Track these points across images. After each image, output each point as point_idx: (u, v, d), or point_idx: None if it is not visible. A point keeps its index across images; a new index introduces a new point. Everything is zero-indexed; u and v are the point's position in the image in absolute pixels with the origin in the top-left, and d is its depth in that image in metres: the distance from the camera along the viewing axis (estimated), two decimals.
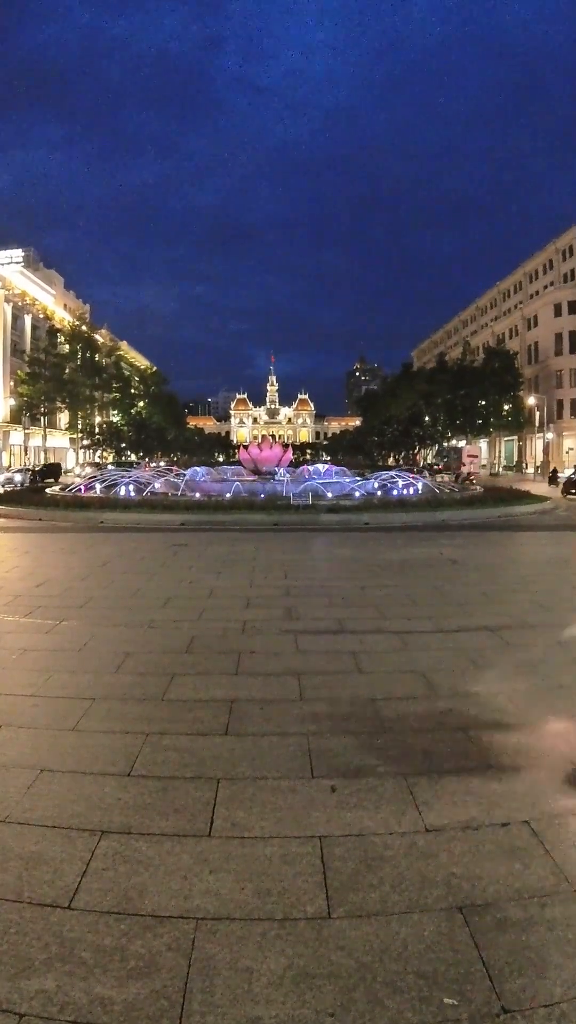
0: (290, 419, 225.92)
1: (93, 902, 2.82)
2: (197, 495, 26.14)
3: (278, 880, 2.97)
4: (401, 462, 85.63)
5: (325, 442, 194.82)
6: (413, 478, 31.86)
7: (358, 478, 32.98)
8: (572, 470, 46.49)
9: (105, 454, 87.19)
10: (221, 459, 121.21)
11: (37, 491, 30.34)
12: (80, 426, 79.82)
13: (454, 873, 2.98)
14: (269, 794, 3.69)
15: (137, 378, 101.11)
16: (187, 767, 4.00)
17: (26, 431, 70.84)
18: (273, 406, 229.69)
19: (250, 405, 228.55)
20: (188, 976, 2.43)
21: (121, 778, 3.87)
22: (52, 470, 53.41)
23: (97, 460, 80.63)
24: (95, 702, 5.02)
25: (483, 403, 76.96)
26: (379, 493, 27.60)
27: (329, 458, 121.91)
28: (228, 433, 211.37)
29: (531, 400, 74.68)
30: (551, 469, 55.49)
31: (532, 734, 4.50)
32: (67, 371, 71.49)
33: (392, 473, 34.64)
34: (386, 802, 3.60)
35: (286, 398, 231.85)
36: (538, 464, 65.58)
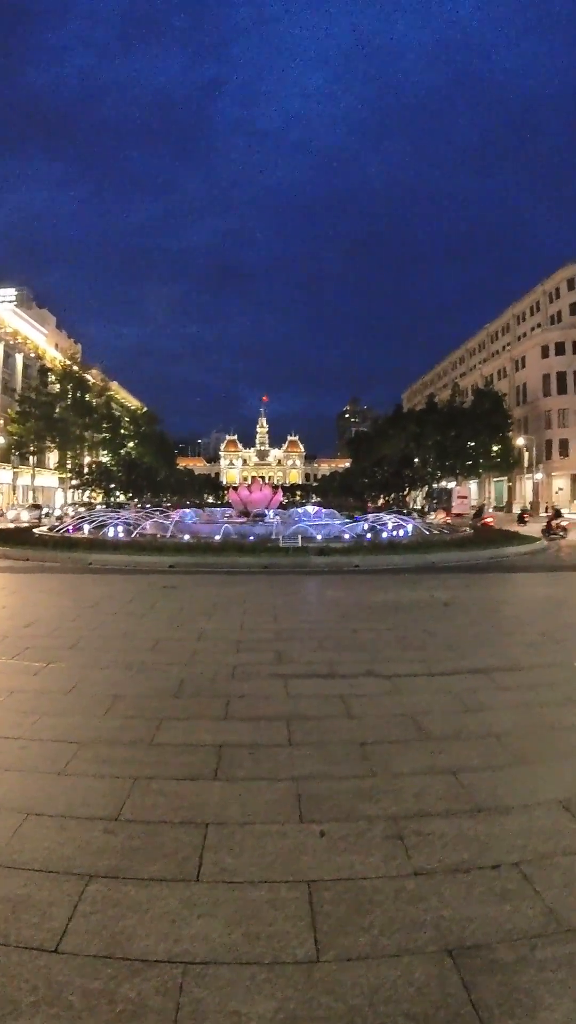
0: (280, 460, 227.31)
1: (81, 946, 2.81)
2: (186, 537, 26.14)
3: (266, 924, 2.96)
4: (392, 504, 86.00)
5: (315, 483, 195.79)
6: (403, 519, 32.05)
7: (348, 520, 33.13)
8: (547, 512, 46.67)
9: (94, 494, 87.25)
10: (211, 500, 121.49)
11: (24, 531, 30.23)
12: (69, 465, 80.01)
13: (443, 916, 2.99)
14: (258, 839, 3.68)
15: (127, 418, 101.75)
16: (175, 811, 4.00)
17: (15, 470, 70.96)
18: (263, 447, 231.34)
19: (240, 447, 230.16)
20: (176, 1020, 2.42)
21: (109, 822, 3.85)
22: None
23: (87, 500, 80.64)
24: (83, 745, 5.00)
25: (472, 444, 77.81)
26: (369, 535, 27.70)
27: (319, 499, 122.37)
28: (218, 474, 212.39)
29: (520, 441, 75.64)
30: (520, 509, 55.90)
31: (522, 776, 4.52)
32: (57, 410, 71.94)
33: (382, 515, 34.88)
34: (375, 846, 3.60)
35: (276, 439, 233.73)
36: (526, 506, 65.99)
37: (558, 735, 5.26)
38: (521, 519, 46.51)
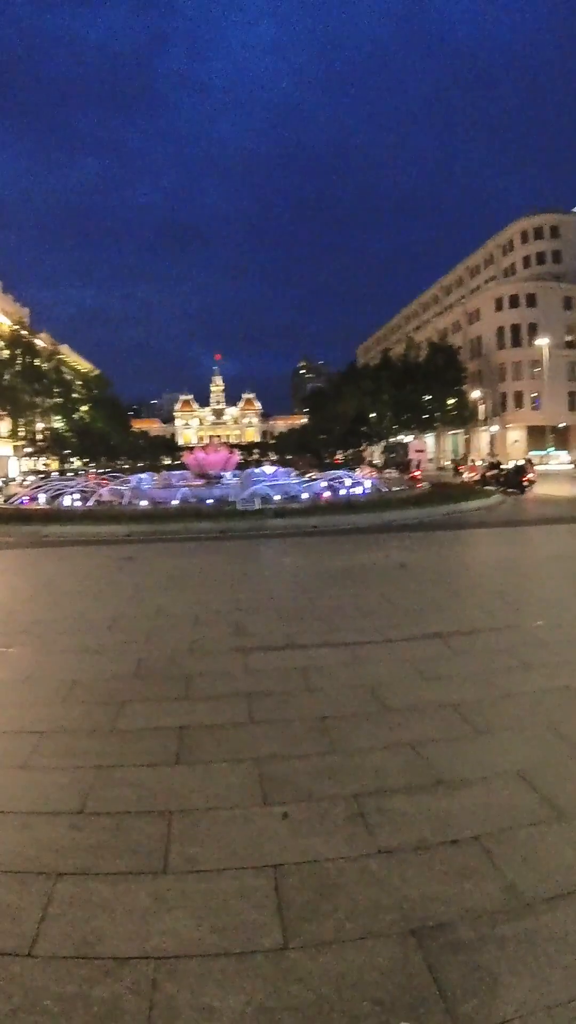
0: (236, 419, 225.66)
1: (53, 948, 2.81)
2: (143, 503, 25.90)
3: (234, 915, 3.00)
4: (349, 460, 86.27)
5: (272, 441, 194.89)
6: (361, 477, 32.22)
7: (304, 479, 33.15)
8: (482, 462, 47.24)
9: (49, 461, 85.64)
10: (167, 462, 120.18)
11: None
12: (22, 433, 78.20)
13: (406, 896, 3.06)
14: (222, 825, 3.72)
15: (79, 382, 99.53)
16: (139, 801, 4.00)
17: None
18: (219, 407, 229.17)
19: (195, 406, 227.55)
20: (150, 1018, 2.45)
21: (74, 816, 3.85)
22: None
23: (40, 468, 79.11)
24: (44, 736, 4.96)
25: (428, 398, 78.24)
26: (327, 494, 27.79)
27: (277, 458, 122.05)
28: (174, 435, 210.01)
29: (476, 394, 76.27)
30: (453, 461, 56.38)
31: (480, 747, 4.63)
32: (6, 377, 69.97)
33: (340, 473, 34.98)
34: (338, 826, 3.66)
35: (232, 398, 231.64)
36: (483, 457, 66.92)
37: (514, 702, 5.39)
38: (456, 472, 47.26)
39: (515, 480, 33.97)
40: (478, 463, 47.88)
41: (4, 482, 51.52)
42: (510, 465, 38.78)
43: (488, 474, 37.39)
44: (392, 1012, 2.43)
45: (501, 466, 39.40)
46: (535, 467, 38.09)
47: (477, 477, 38.86)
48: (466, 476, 42.19)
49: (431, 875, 3.21)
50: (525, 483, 33.34)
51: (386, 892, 3.10)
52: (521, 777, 4.12)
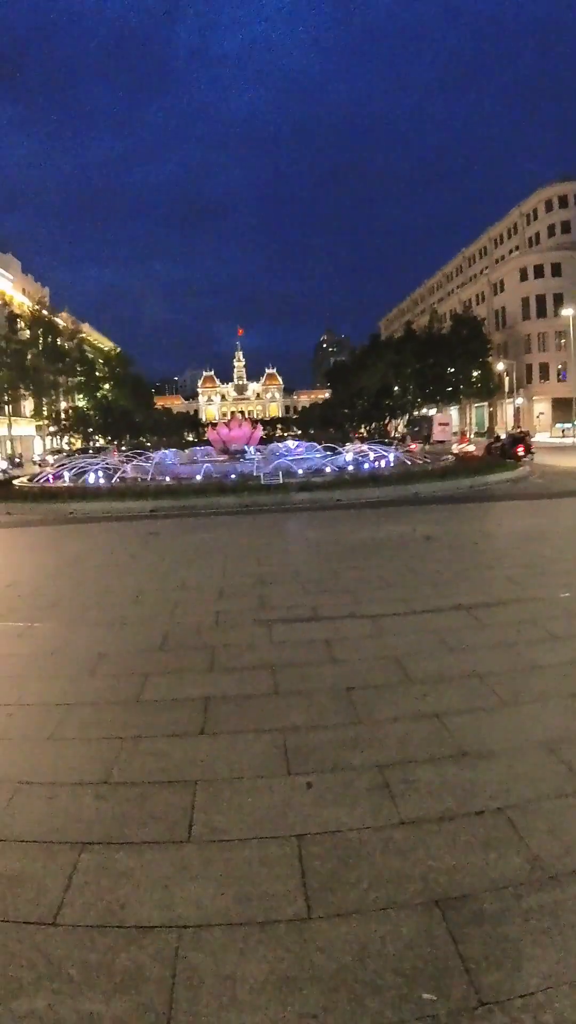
0: (259, 394, 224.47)
1: (78, 917, 2.84)
2: (167, 479, 25.98)
3: (258, 884, 3.01)
4: (374, 434, 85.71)
5: (295, 416, 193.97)
6: (384, 450, 32.00)
7: (329, 453, 33.00)
8: (496, 438, 46.91)
9: (73, 440, 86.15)
10: (191, 438, 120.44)
11: (2, 483, 29.92)
12: (45, 412, 78.64)
13: (431, 867, 3.04)
14: (246, 795, 3.72)
15: (101, 360, 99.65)
16: (164, 771, 4.02)
17: None
18: (241, 382, 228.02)
19: (217, 382, 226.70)
20: (173, 987, 2.46)
21: (99, 786, 3.87)
22: None
23: (63, 447, 79.54)
24: (70, 708, 5.01)
25: (452, 370, 77.19)
26: (351, 468, 27.66)
27: (300, 432, 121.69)
28: (197, 412, 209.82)
29: (500, 366, 75.11)
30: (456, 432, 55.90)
31: (505, 718, 4.58)
32: (29, 357, 70.21)
33: (363, 446, 34.76)
34: (362, 796, 3.65)
35: (254, 373, 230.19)
36: (509, 430, 66.05)
37: (540, 674, 5.33)
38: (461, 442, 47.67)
39: (510, 451, 34.04)
40: (469, 435, 48.54)
41: (18, 461, 51.96)
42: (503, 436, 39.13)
43: (492, 445, 37.55)
44: (415, 983, 2.42)
45: (500, 437, 39.71)
46: (532, 439, 38.39)
47: (471, 449, 39.24)
48: (456, 448, 42.67)
49: (455, 846, 3.18)
50: (522, 453, 33.31)
51: (410, 862, 3.08)
52: (548, 749, 4.06)
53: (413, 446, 45.17)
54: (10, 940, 2.71)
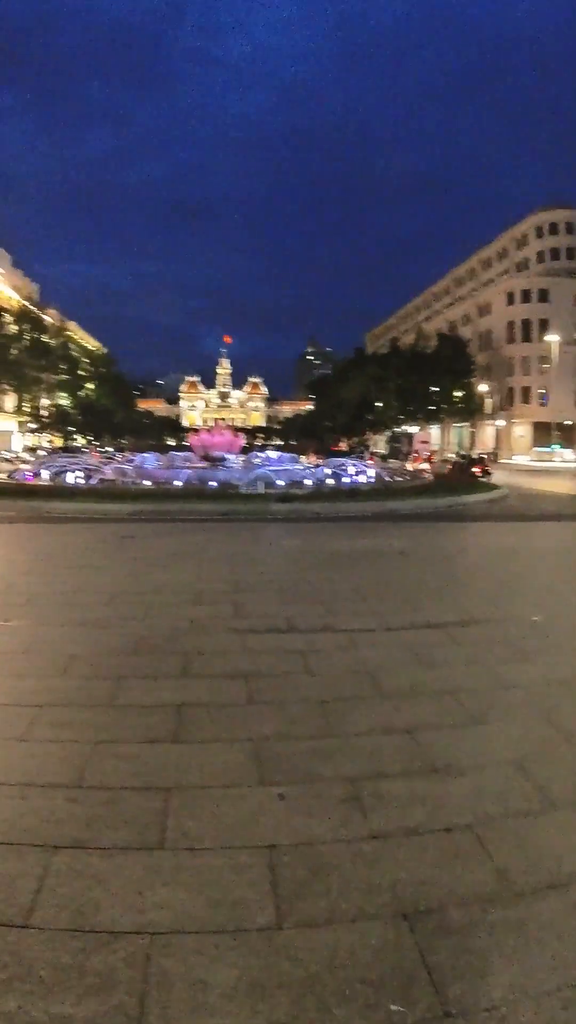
0: (242, 402, 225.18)
1: (49, 919, 2.83)
2: (146, 483, 25.90)
3: (229, 891, 3.03)
4: (355, 448, 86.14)
5: (277, 426, 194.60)
6: (365, 465, 32.23)
7: (310, 466, 33.13)
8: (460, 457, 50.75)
9: (53, 437, 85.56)
10: (171, 443, 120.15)
11: None
12: (27, 409, 78.07)
13: (399, 879, 3.09)
14: (218, 803, 3.74)
15: (86, 359, 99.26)
16: (137, 776, 4.03)
17: None
18: (225, 389, 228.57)
19: (201, 388, 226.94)
20: (144, 991, 2.47)
21: (72, 789, 3.87)
22: None
23: (43, 445, 78.96)
24: (42, 709, 4.98)
25: (435, 389, 77.93)
26: (331, 481, 27.79)
27: (281, 443, 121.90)
28: (178, 416, 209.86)
29: (483, 387, 75.99)
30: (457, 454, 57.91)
31: (476, 735, 4.65)
32: (14, 352, 69.72)
33: (343, 460, 35.00)
34: (333, 808, 3.69)
35: (238, 381, 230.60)
36: (468, 452, 66.65)
37: (512, 693, 5.41)
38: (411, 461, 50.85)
39: (467, 471, 37.17)
40: (423, 454, 51.81)
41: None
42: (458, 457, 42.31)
43: (455, 465, 41.45)
44: (382, 992, 2.46)
45: (464, 457, 43.35)
46: (492, 462, 44.02)
47: (426, 468, 41.66)
48: (410, 466, 45.06)
49: (424, 860, 3.23)
50: (479, 473, 36.20)
51: (379, 874, 3.12)
52: (516, 766, 4.14)
53: (371, 460, 47.15)
54: None
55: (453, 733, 4.66)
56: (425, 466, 45.40)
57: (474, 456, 44.46)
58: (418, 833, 3.45)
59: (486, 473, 36.62)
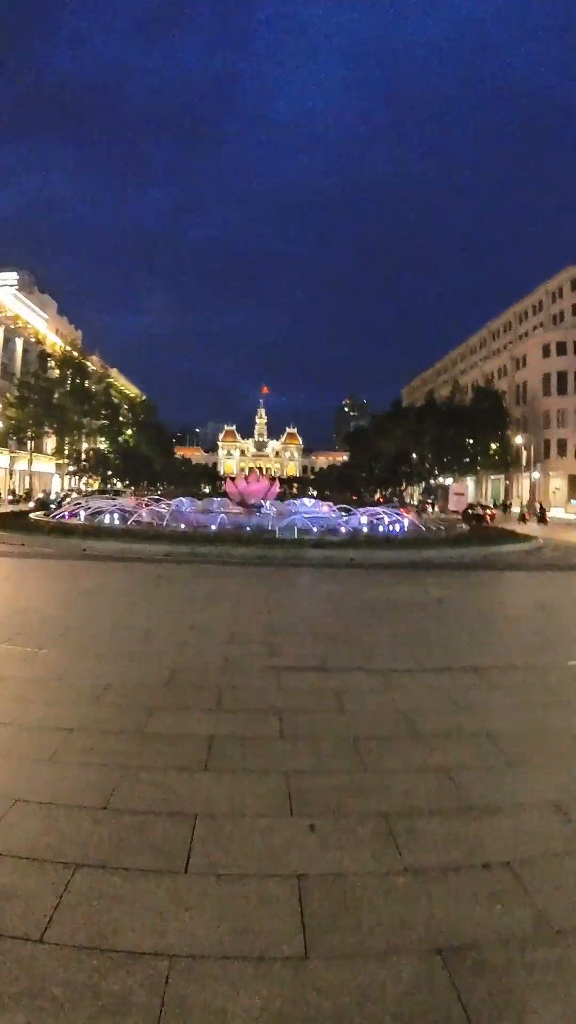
0: (278, 452, 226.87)
1: (65, 936, 2.77)
2: (182, 526, 26.06)
3: (254, 919, 2.93)
4: (390, 499, 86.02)
5: (312, 476, 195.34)
6: (400, 515, 32.06)
7: (344, 514, 33.07)
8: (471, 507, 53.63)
9: (91, 481, 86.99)
10: (207, 490, 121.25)
11: (20, 515, 30.17)
12: (67, 452, 79.69)
13: (433, 915, 2.96)
14: (247, 832, 3.65)
15: (126, 406, 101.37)
16: (165, 802, 3.95)
17: (12, 454, 70.69)
18: (261, 439, 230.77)
19: (238, 437, 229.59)
20: (161, 1015, 2.39)
21: (97, 811, 3.81)
22: None
23: (81, 487, 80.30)
24: (72, 733, 4.95)
25: (471, 442, 77.76)
26: (365, 529, 27.66)
27: (316, 493, 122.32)
28: (215, 464, 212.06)
29: (519, 439, 75.65)
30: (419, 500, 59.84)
31: (515, 776, 4.49)
32: (56, 396, 71.55)
33: (379, 509, 34.88)
34: (366, 842, 3.57)
35: (275, 431, 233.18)
36: (524, 504, 66.05)
37: (551, 736, 5.23)
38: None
39: (474, 518, 42.41)
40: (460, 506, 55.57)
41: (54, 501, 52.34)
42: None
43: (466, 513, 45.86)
44: None
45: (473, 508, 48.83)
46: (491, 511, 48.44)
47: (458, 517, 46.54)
48: (442, 513, 51.87)
49: (460, 897, 3.09)
50: (489, 521, 41.85)
51: (412, 910, 3.00)
52: (555, 807, 3.97)
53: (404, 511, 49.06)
54: None
55: (490, 773, 4.50)
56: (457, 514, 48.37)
57: (482, 505, 50.68)
58: (454, 870, 3.31)
59: (491, 519, 42.53)
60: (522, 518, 48.14)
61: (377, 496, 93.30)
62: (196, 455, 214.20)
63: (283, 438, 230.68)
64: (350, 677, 6.82)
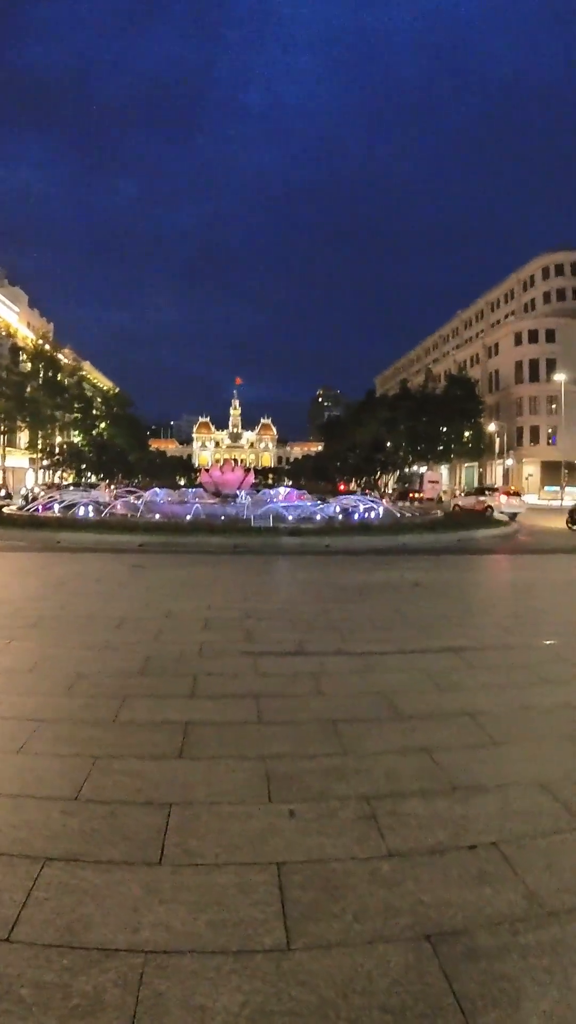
0: (252, 443, 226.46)
1: (34, 934, 2.60)
2: (157, 517, 25.78)
3: (233, 910, 2.78)
4: (363, 488, 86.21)
5: (288, 467, 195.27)
6: (374, 502, 32.04)
7: (319, 502, 32.96)
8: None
9: (65, 474, 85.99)
10: (183, 482, 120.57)
11: None
12: (40, 446, 78.63)
13: (421, 900, 2.83)
14: (224, 820, 3.50)
15: (100, 399, 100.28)
16: (138, 791, 3.79)
17: None
18: (236, 430, 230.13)
19: (213, 429, 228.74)
20: (135, 1015, 2.23)
21: (68, 802, 3.64)
22: None
23: (54, 482, 79.33)
24: (43, 724, 4.76)
25: (444, 429, 78.12)
26: (340, 517, 27.58)
27: (291, 482, 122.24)
28: (190, 456, 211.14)
29: (492, 427, 76.13)
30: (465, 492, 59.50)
31: (498, 755, 4.39)
32: (28, 390, 70.45)
33: (353, 498, 34.87)
34: (348, 827, 3.44)
35: (249, 423, 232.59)
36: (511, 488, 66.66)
37: (533, 715, 5.15)
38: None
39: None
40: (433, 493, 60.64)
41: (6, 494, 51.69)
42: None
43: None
44: (404, 1020, 2.20)
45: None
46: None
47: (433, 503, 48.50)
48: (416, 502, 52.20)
49: (447, 880, 2.97)
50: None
51: (398, 895, 2.87)
52: (541, 786, 3.87)
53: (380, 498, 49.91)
54: None
55: (474, 753, 4.40)
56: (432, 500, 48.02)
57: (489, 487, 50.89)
58: (440, 852, 3.19)
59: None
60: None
61: (352, 486, 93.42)
62: (171, 447, 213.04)
63: (258, 429, 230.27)
64: (328, 660, 6.69)
